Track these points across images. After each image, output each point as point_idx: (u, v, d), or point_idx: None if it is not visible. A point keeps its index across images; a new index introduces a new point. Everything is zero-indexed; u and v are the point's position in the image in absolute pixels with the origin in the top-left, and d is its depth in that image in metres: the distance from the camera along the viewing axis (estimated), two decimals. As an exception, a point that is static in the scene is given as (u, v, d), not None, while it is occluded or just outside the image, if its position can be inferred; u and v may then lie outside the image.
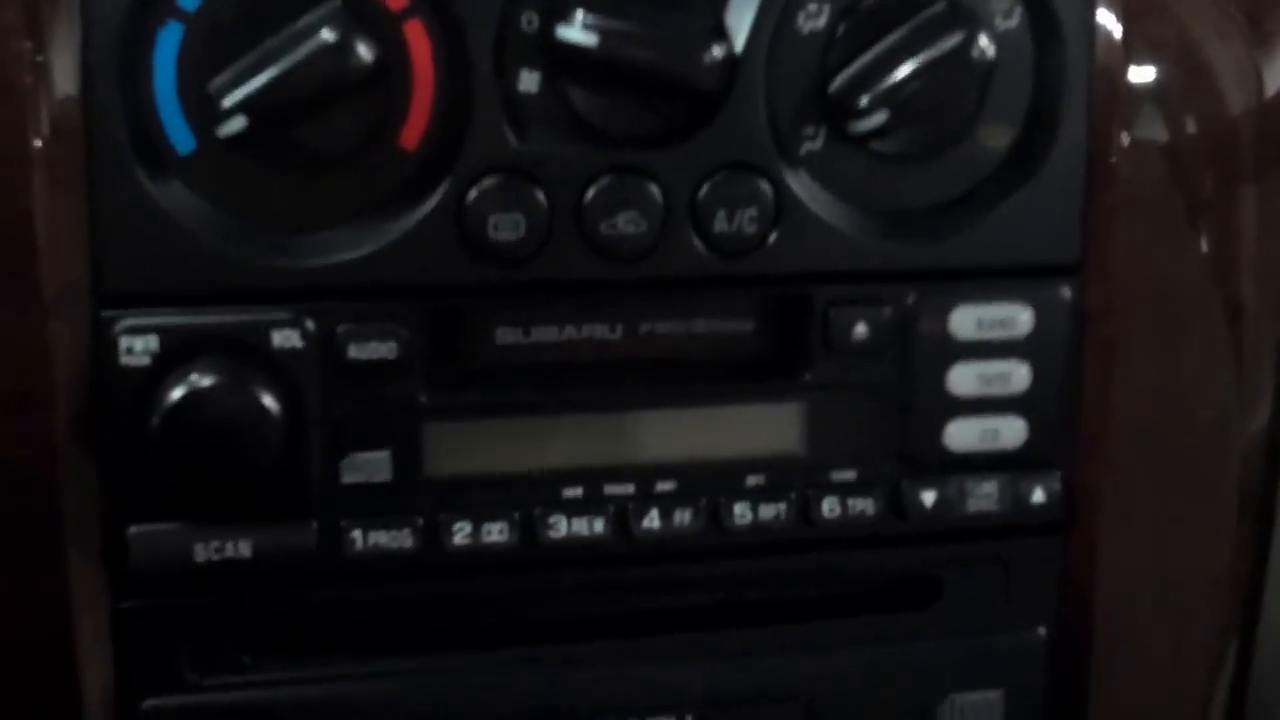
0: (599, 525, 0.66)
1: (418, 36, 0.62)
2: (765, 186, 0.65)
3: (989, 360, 0.68)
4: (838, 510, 0.68)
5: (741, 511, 0.67)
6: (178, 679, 0.65)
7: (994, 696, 0.71)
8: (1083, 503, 0.71)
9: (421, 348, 0.64)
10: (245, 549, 0.64)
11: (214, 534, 0.63)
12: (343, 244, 0.63)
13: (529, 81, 0.63)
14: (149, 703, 0.65)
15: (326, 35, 0.60)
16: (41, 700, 0.64)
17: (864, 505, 0.68)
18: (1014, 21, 0.67)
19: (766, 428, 0.68)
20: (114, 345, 0.61)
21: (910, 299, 0.67)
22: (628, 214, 0.64)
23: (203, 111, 0.61)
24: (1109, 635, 0.72)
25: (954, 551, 0.70)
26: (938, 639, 0.71)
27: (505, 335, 0.66)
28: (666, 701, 0.68)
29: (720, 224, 0.64)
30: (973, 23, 0.64)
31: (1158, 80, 0.70)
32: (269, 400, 0.61)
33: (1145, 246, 0.70)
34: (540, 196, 0.63)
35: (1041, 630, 0.72)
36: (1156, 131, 0.70)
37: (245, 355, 0.62)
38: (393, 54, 0.62)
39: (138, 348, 0.61)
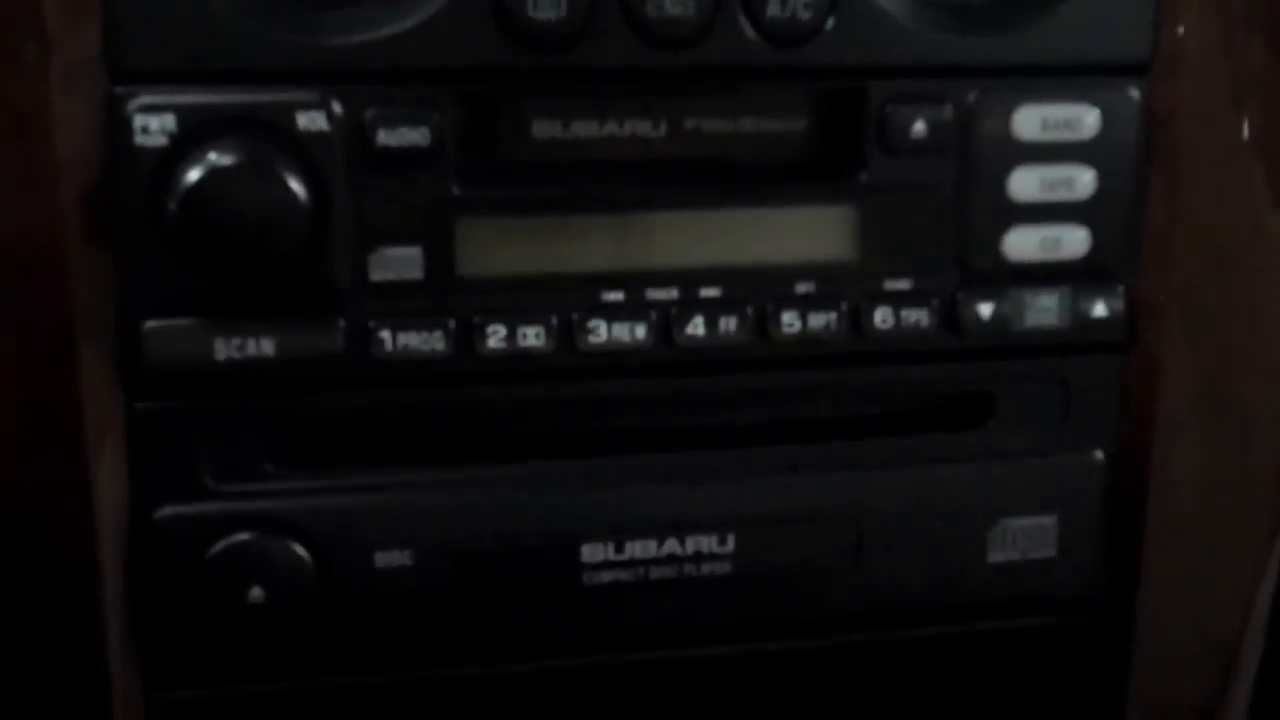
0: (640, 331, 0.63)
1: None
2: None
3: (1052, 164, 0.65)
4: (890, 321, 0.64)
5: (790, 320, 0.64)
6: (195, 486, 0.62)
7: (1048, 522, 0.68)
8: (1146, 318, 0.67)
9: (455, 137, 0.60)
10: (268, 348, 0.60)
11: (235, 331, 0.60)
12: (373, 21, 0.59)
13: None
14: (164, 510, 0.61)
15: None
16: (51, 508, 0.61)
17: (918, 316, 0.65)
18: None
19: (817, 232, 0.64)
20: (128, 124, 0.58)
21: (972, 97, 0.64)
22: None
23: None
24: (1169, 459, 0.68)
25: (1010, 368, 0.67)
26: (990, 460, 0.67)
27: (543, 128, 0.63)
28: (707, 520, 0.65)
29: (773, 8, 0.61)
30: None
31: None
32: (294, 185, 0.58)
33: (1218, 47, 0.67)
34: None
35: (1099, 453, 0.68)
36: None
37: (268, 137, 0.58)
38: None
39: (154, 127, 0.58)
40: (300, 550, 0.62)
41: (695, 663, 0.68)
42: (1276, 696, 0.76)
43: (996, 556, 0.68)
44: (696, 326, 0.63)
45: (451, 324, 0.61)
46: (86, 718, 0.64)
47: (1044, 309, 0.66)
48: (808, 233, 0.64)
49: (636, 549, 0.65)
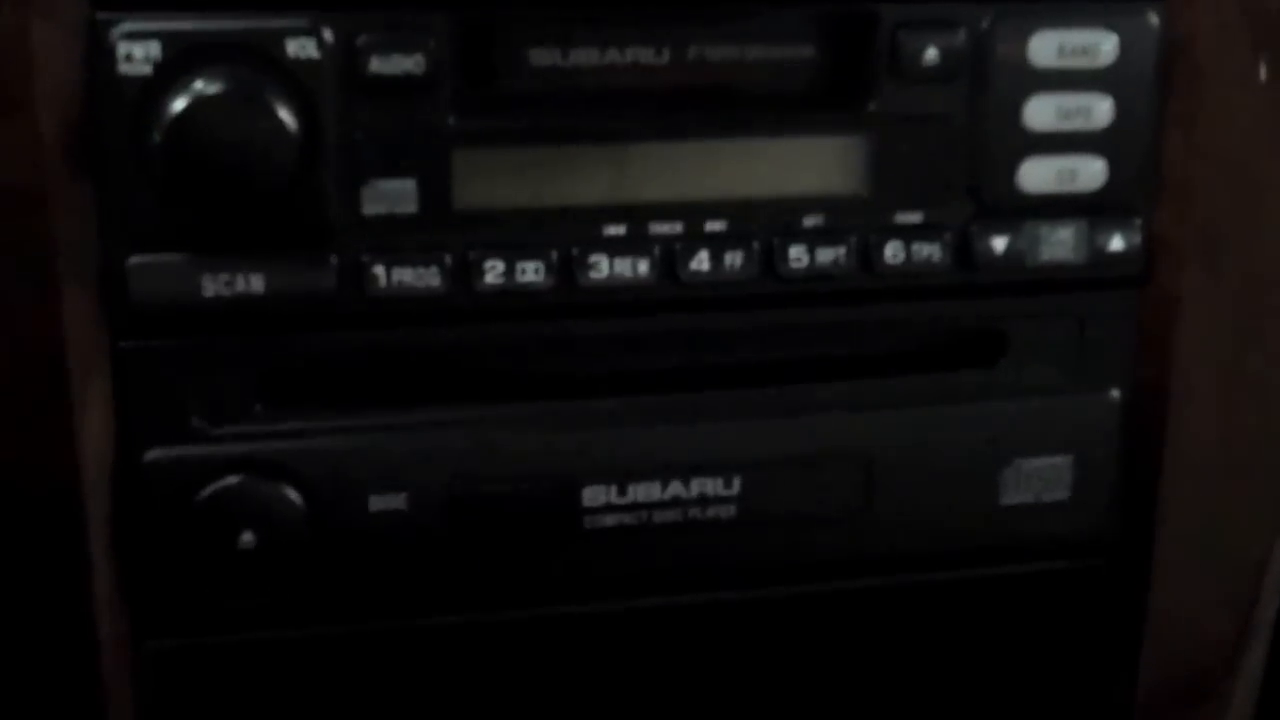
0: (643, 267, 0.61)
1: None
2: None
3: (1069, 92, 0.63)
4: (901, 256, 0.62)
5: (797, 255, 0.62)
6: (184, 428, 0.60)
7: (1062, 462, 0.66)
8: (1163, 254, 0.65)
9: (450, 65, 0.58)
10: (258, 284, 0.58)
11: (223, 267, 0.58)
12: None
13: None
14: (152, 453, 0.60)
15: None
16: (34, 450, 0.59)
17: (930, 251, 0.63)
18: None
19: (826, 164, 0.62)
20: (111, 52, 0.55)
21: (986, 21, 0.62)
22: None
23: None
24: (1187, 399, 0.67)
25: (1024, 304, 0.65)
26: (1003, 399, 0.66)
27: (541, 56, 0.60)
28: (712, 462, 0.63)
29: None
30: None
31: None
32: (284, 114, 0.55)
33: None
34: None
35: (1115, 392, 0.67)
36: None
37: (256, 65, 0.56)
38: None
39: (137, 54, 0.56)
40: (292, 493, 0.60)
41: (700, 608, 0.67)
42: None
43: (1009, 498, 0.66)
44: (701, 262, 0.61)
45: (448, 259, 0.59)
46: (74, 666, 0.62)
47: (1059, 243, 0.65)
48: (816, 164, 0.62)
49: (639, 492, 0.63)
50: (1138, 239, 0.64)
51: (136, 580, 0.61)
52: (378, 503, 0.61)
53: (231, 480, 0.60)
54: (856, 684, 0.70)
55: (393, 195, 0.59)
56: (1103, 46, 0.63)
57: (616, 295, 0.61)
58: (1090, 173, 0.64)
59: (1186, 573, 0.70)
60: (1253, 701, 0.75)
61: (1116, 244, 0.64)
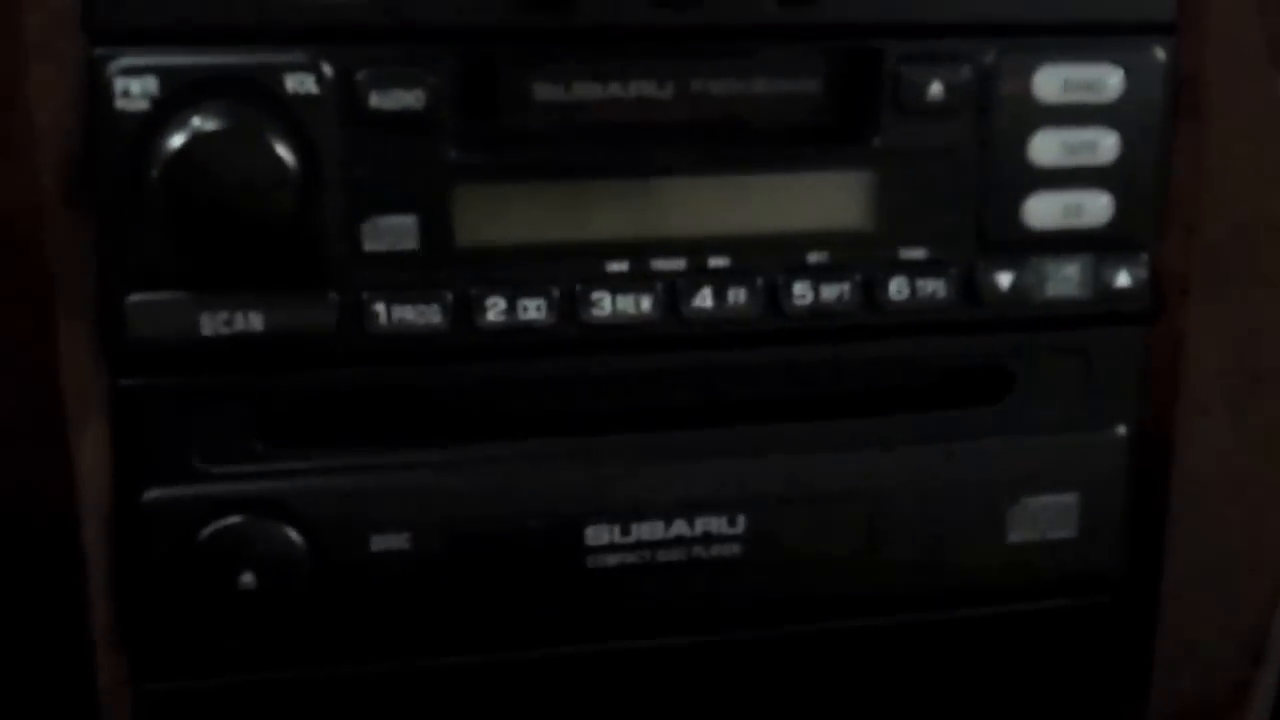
0: (646, 304, 0.60)
1: None
2: None
3: (1074, 127, 0.62)
4: (906, 292, 0.62)
5: (801, 291, 0.61)
6: (183, 467, 0.59)
7: (1069, 499, 0.66)
8: (1170, 289, 0.64)
9: (452, 100, 0.58)
10: (257, 322, 0.57)
11: (222, 305, 0.57)
12: None
13: None
14: (151, 493, 0.59)
15: None
16: (33, 490, 0.58)
17: (934, 287, 0.62)
18: None
19: (830, 199, 0.62)
20: (108, 87, 0.55)
21: (990, 56, 0.61)
22: None
23: None
24: (1194, 436, 0.66)
25: (1029, 340, 0.65)
26: (1009, 436, 0.65)
27: (544, 91, 0.60)
28: (716, 500, 0.63)
29: None
30: None
31: None
32: (283, 150, 0.55)
33: (1245, 6, 0.63)
34: None
35: (1122, 428, 0.66)
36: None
37: (255, 101, 0.55)
38: None
39: (135, 90, 0.55)
40: (293, 533, 0.59)
41: (704, 648, 0.66)
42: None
43: (1016, 536, 0.65)
44: (704, 298, 0.61)
45: (449, 296, 0.59)
46: (73, 709, 0.61)
47: (1065, 279, 0.64)
48: (820, 200, 0.62)
49: (643, 531, 0.62)
50: (1144, 274, 0.64)
51: (135, 621, 0.60)
52: (379, 542, 0.60)
53: (231, 520, 0.59)
54: (864, 717, 0.69)
55: (393, 232, 0.58)
56: (1108, 81, 0.63)
57: (619, 332, 0.61)
58: (1096, 208, 0.63)
59: (1195, 607, 0.70)
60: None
61: (1123, 280, 0.64)
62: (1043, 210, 0.63)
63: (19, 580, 0.59)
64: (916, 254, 0.62)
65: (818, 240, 0.62)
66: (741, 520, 0.63)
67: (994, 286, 0.63)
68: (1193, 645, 0.70)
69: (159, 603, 0.60)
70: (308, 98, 0.56)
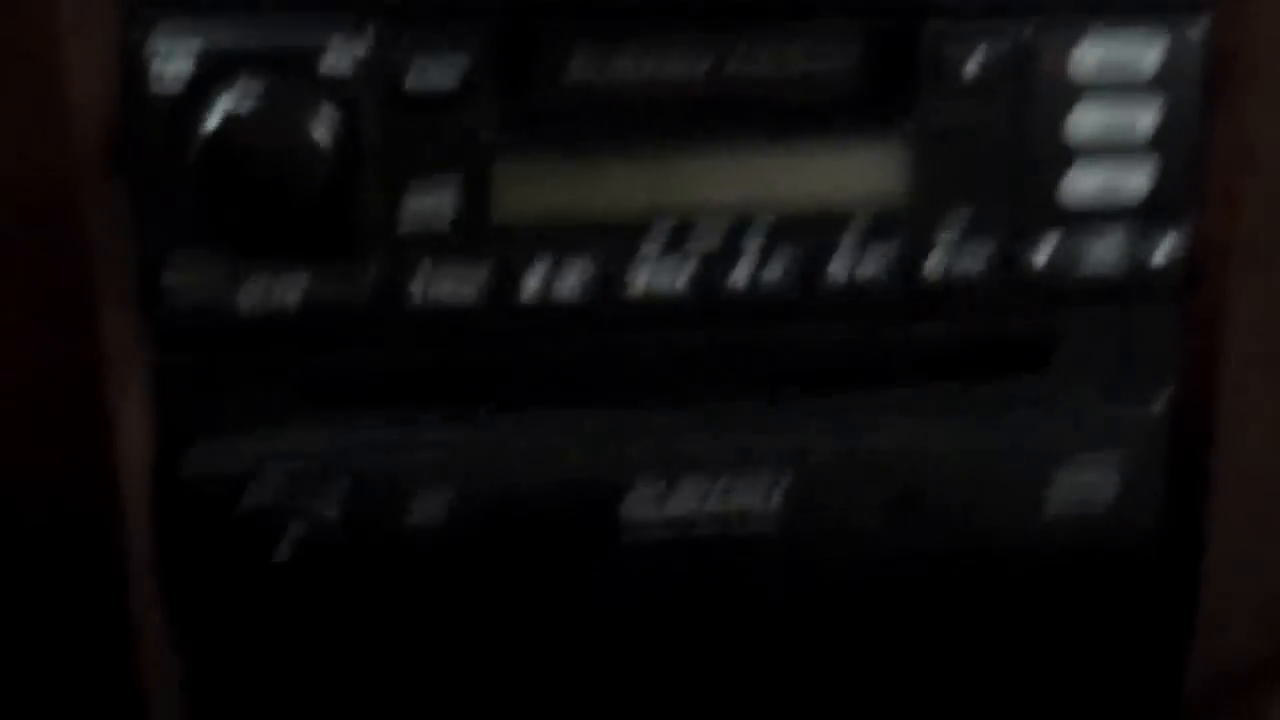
0: (681, 280, 0.60)
1: None
2: None
3: (1113, 103, 0.62)
4: (943, 267, 0.62)
5: (838, 267, 0.61)
6: (220, 439, 0.60)
7: (1109, 470, 0.65)
8: (1209, 262, 0.64)
9: (489, 76, 0.58)
10: (294, 297, 0.58)
11: (260, 280, 0.58)
12: None
13: None
14: (189, 464, 0.60)
15: None
16: (72, 463, 0.59)
17: (972, 262, 0.62)
18: None
19: (866, 175, 0.62)
20: (144, 65, 0.56)
21: (1029, 32, 0.61)
22: None
23: None
24: (1233, 406, 0.66)
25: (1067, 315, 0.65)
26: (1047, 409, 0.65)
27: (580, 69, 0.60)
28: (755, 471, 0.63)
29: None
30: None
31: None
32: (320, 128, 0.55)
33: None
34: None
35: (1161, 400, 0.65)
36: None
37: (292, 79, 0.55)
38: None
39: (170, 68, 0.56)
40: (331, 502, 0.59)
41: (743, 618, 0.66)
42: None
43: (1055, 506, 0.65)
44: (741, 273, 0.61)
45: (485, 271, 0.59)
46: (114, 679, 0.61)
47: (1103, 253, 0.64)
48: (856, 176, 0.62)
49: (680, 500, 0.63)
50: (1182, 249, 0.64)
51: (175, 590, 0.61)
52: (417, 513, 0.60)
53: (270, 489, 0.59)
54: (900, 690, 0.70)
55: (430, 207, 0.58)
56: (1148, 56, 0.62)
57: (655, 307, 0.60)
58: (1134, 183, 0.63)
59: (1234, 583, 0.69)
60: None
61: (1161, 254, 0.64)
62: (1080, 185, 0.63)
63: (60, 553, 0.60)
64: (954, 229, 0.62)
65: (855, 216, 0.61)
66: (779, 491, 0.63)
67: (1032, 261, 0.63)
68: (1230, 616, 0.70)
69: (199, 571, 0.60)
70: (345, 75, 0.56)
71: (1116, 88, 0.62)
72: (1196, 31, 0.62)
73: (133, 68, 0.55)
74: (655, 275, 0.60)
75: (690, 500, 0.63)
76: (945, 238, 0.62)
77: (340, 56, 0.56)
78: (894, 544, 0.65)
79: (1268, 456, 0.67)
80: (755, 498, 0.63)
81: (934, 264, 0.62)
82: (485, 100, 0.58)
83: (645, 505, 0.63)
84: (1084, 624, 0.70)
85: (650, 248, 0.60)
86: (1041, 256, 0.63)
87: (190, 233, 0.57)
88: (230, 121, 0.54)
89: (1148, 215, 0.63)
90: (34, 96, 0.55)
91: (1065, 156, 0.62)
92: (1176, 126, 0.63)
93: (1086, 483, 0.66)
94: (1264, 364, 0.66)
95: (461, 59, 0.57)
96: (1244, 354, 0.66)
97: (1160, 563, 0.69)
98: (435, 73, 0.57)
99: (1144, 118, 0.63)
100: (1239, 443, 0.67)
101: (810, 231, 0.61)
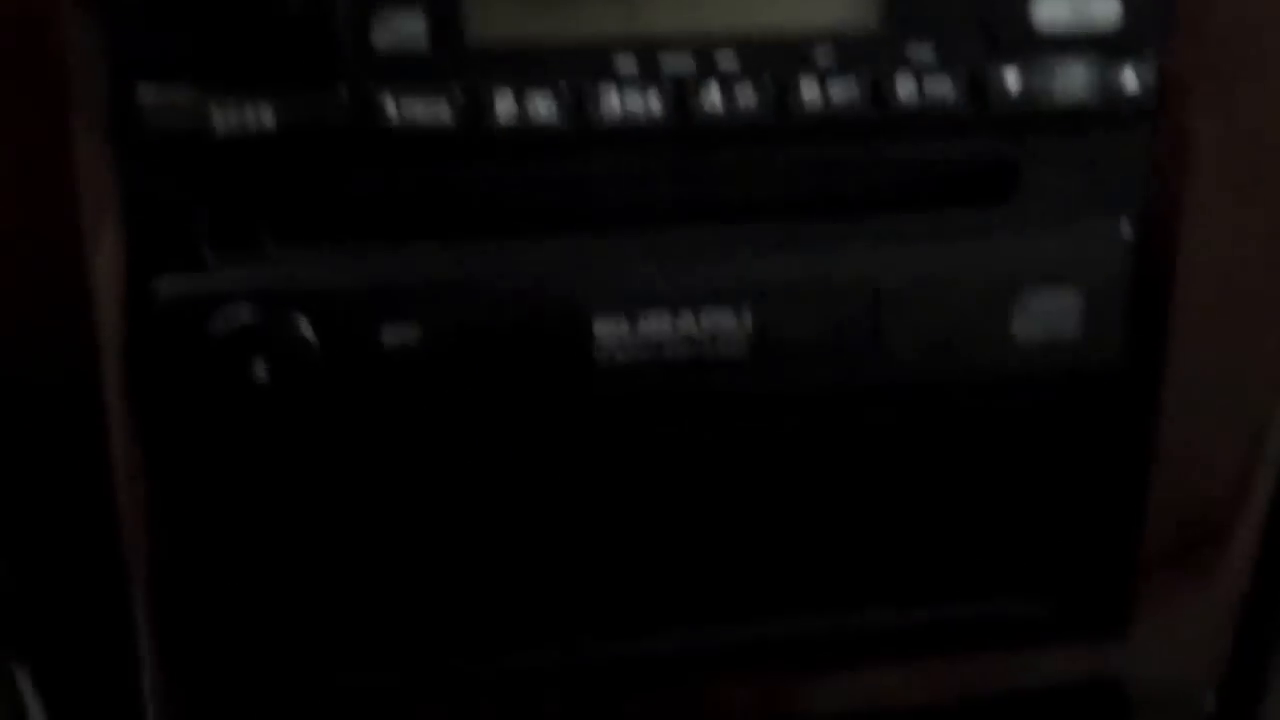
0: (655, 103, 0.60)
1: None
2: None
3: None
4: (914, 91, 0.62)
5: (810, 90, 0.61)
6: (195, 261, 0.60)
7: (1073, 296, 0.66)
8: (1177, 89, 0.65)
9: None
10: (268, 117, 0.58)
11: (234, 100, 0.58)
12: None
13: None
14: (164, 286, 0.60)
15: None
16: (47, 281, 0.59)
17: (942, 87, 0.62)
18: None
19: (837, 1, 0.61)
20: None
21: None
22: None
23: None
24: (1198, 233, 0.66)
25: (1036, 140, 0.65)
26: (1015, 233, 0.65)
27: None
28: (724, 294, 0.63)
29: None
30: None
31: None
32: None
33: None
34: None
35: (1126, 226, 0.66)
36: None
37: None
38: None
39: None
40: (304, 325, 0.60)
41: (713, 442, 0.67)
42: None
43: (1019, 331, 0.66)
44: (713, 97, 0.61)
45: (459, 93, 0.59)
46: (90, 504, 0.62)
47: (1073, 79, 0.64)
48: (827, 1, 0.61)
49: (650, 324, 0.63)
50: (1151, 75, 0.64)
51: (152, 415, 0.61)
52: (391, 335, 0.61)
53: (243, 311, 0.60)
54: (866, 511, 0.71)
55: (403, 27, 0.58)
56: (1120, -118, 0.62)
57: (628, 131, 0.61)
58: (1105, 8, 0.63)
59: (1196, 404, 0.70)
60: (1257, 540, 0.75)
61: (1130, 80, 0.64)
62: (1052, 10, 0.63)
63: (36, 381, 0.60)
64: (925, 54, 0.62)
65: (826, 39, 0.62)
66: (748, 314, 0.64)
67: (1001, 86, 0.63)
68: (1193, 442, 0.71)
69: (175, 394, 0.60)
70: None
71: None
72: None
73: None
74: (627, 100, 0.61)
75: (661, 323, 0.63)
76: (915, 63, 0.62)
77: None
78: (864, 364, 0.66)
79: (1231, 280, 0.68)
80: (725, 320, 0.64)
81: (904, 89, 0.62)
82: None
83: (617, 327, 0.63)
84: (1051, 446, 0.71)
85: (623, 72, 0.60)
86: (1011, 83, 0.63)
87: (163, 56, 0.57)
88: None
89: (1118, 41, 0.63)
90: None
91: None
92: None
93: (1052, 309, 0.66)
94: (1228, 188, 0.67)
95: None
96: (1208, 178, 0.66)
97: (1125, 389, 0.69)
98: None
99: (1115, -57, 0.63)
100: (1203, 267, 0.67)
101: (782, 56, 0.62)
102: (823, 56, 0.61)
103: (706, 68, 0.61)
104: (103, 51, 0.57)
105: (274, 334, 0.60)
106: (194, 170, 0.59)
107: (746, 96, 0.61)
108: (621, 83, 0.61)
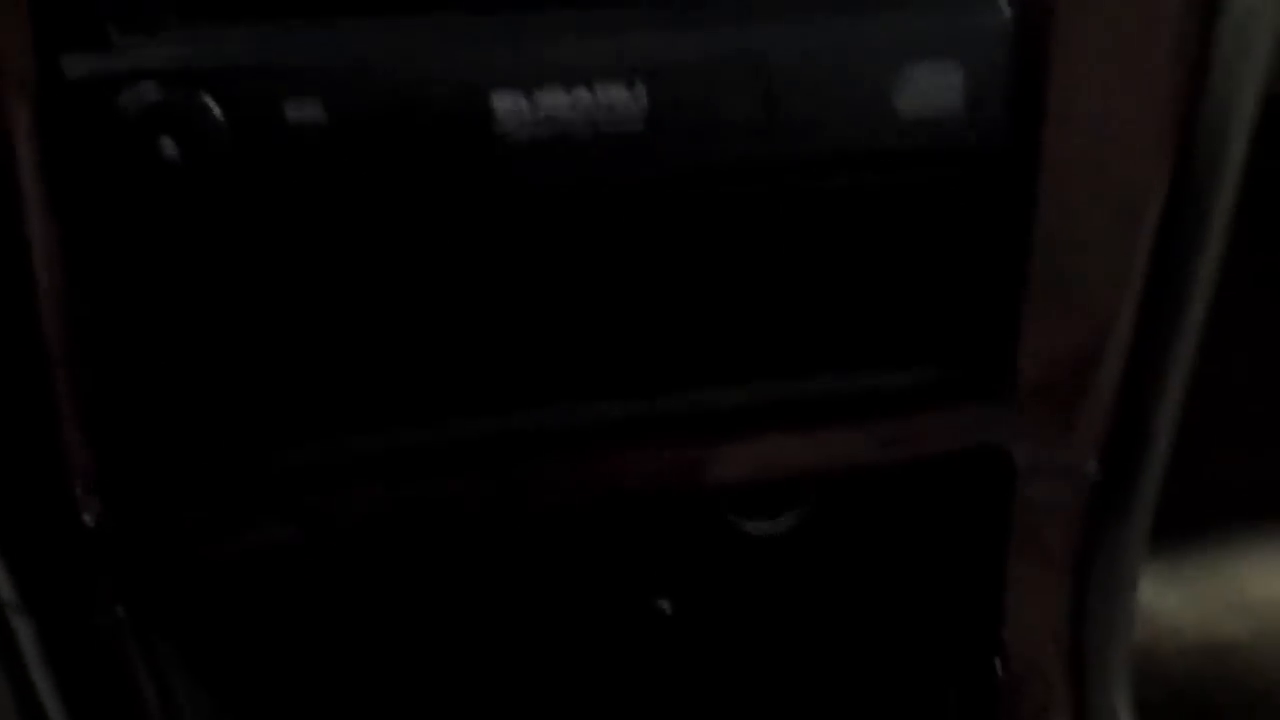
0: None
1: None
2: None
3: None
4: None
5: None
6: (100, 38, 0.61)
7: (954, 70, 0.68)
8: None
9: None
10: None
11: None
12: None
13: None
14: (69, 65, 0.61)
15: None
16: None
17: None
18: None
19: None
20: None
21: None
22: None
23: None
24: (1073, 12, 0.69)
25: None
26: (896, 7, 0.67)
27: None
28: (614, 68, 0.65)
29: None
30: None
31: None
32: None
33: None
34: None
35: (1004, 2, 0.68)
36: None
37: None
38: None
39: None
40: (209, 100, 0.61)
41: (614, 218, 0.69)
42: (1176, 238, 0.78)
43: (903, 105, 0.68)
44: None
45: None
46: (7, 280, 0.64)
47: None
48: None
49: (546, 98, 0.65)
50: None
51: (67, 196, 0.63)
52: (295, 111, 0.62)
53: (149, 86, 0.61)
54: (762, 286, 0.73)
55: None
56: None
57: None
58: None
59: (1074, 188, 0.73)
60: (1137, 318, 0.78)
61: None
62: None
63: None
64: None
65: None
66: (643, 87, 0.65)
67: None
68: (1072, 221, 0.73)
69: (85, 173, 0.62)
70: None
71: None
72: None
73: None
74: None
75: (557, 98, 0.65)
76: None
77: None
78: (756, 144, 0.68)
79: (1109, 56, 0.70)
80: (620, 95, 0.66)
81: None
82: None
83: (515, 103, 0.65)
84: (939, 226, 0.73)
85: None
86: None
87: None
88: None
89: None
90: None
91: None
92: None
93: (933, 80, 0.68)
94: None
95: None
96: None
97: (1007, 165, 0.72)
98: None
99: None
100: (1080, 43, 0.70)
101: None
102: None
103: None
104: None
105: (181, 112, 0.62)
106: None
107: None
108: None
